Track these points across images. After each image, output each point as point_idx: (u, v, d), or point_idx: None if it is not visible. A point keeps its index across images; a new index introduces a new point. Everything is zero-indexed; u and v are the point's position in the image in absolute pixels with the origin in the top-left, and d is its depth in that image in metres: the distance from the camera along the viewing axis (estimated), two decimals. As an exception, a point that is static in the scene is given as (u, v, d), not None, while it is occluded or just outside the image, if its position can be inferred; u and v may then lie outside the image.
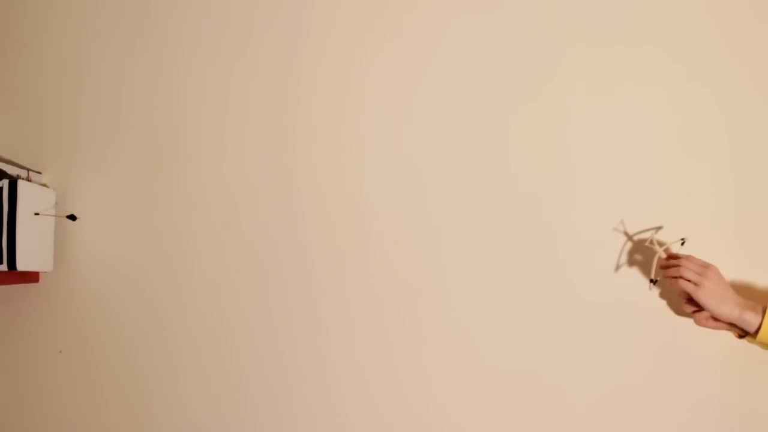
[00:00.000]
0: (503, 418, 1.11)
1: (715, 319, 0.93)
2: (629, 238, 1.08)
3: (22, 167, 1.25)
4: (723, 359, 1.03)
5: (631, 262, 1.08)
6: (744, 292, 0.99)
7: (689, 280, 0.92)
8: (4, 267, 1.12)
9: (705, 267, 0.92)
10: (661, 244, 1.01)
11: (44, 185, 1.27)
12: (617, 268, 1.08)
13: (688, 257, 0.95)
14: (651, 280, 0.99)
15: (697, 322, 0.95)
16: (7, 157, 1.29)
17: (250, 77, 1.25)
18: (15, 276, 1.22)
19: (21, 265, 1.14)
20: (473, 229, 1.14)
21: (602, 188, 1.10)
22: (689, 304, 0.96)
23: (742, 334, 0.93)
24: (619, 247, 1.08)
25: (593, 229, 1.10)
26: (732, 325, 0.92)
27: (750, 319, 0.88)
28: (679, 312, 1.05)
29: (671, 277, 0.96)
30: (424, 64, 1.19)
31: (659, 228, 1.06)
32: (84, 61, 1.32)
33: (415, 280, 1.16)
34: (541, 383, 1.10)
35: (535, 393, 1.10)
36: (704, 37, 1.08)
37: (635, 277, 1.07)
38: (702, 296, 0.90)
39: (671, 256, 0.99)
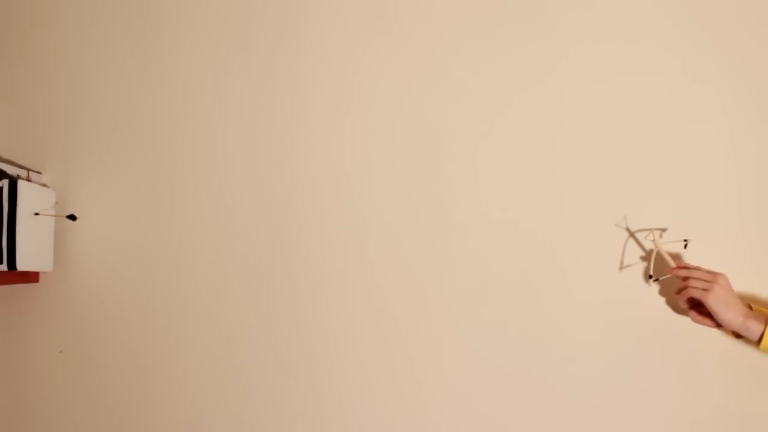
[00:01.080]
0: (503, 417, 1.11)
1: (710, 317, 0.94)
2: (631, 234, 1.07)
3: (22, 167, 1.25)
4: (722, 358, 1.03)
5: (633, 261, 1.07)
6: (748, 297, 1.00)
7: (698, 288, 0.92)
8: (4, 267, 1.12)
9: (714, 274, 0.92)
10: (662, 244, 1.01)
11: (44, 185, 1.27)
12: (621, 267, 1.07)
13: (696, 268, 0.95)
14: (649, 276, 0.99)
15: (694, 319, 0.95)
16: (7, 157, 1.29)
17: (248, 78, 1.25)
18: (15, 276, 1.22)
19: (21, 265, 1.14)
20: (473, 230, 1.14)
21: (605, 187, 1.10)
22: (685, 300, 0.96)
23: (739, 334, 0.93)
24: (621, 247, 1.08)
25: (595, 228, 1.09)
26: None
27: (753, 328, 0.88)
28: (677, 310, 1.05)
29: (682, 288, 0.96)
30: (420, 68, 1.18)
31: (664, 230, 1.05)
32: (84, 62, 1.32)
33: (412, 281, 1.16)
34: (539, 383, 1.10)
35: (534, 392, 1.10)
36: (708, 33, 1.08)
37: (636, 277, 1.07)
38: (711, 301, 0.90)
39: (679, 267, 0.98)
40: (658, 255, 0.99)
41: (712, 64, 1.07)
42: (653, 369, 1.06)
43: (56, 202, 1.27)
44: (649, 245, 1.04)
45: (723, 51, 1.07)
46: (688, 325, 0.99)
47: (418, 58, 1.19)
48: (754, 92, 1.06)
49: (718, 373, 1.03)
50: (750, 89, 1.06)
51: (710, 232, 1.05)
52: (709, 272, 0.93)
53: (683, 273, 0.95)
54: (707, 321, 0.94)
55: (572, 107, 1.12)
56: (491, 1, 1.17)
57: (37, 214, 1.19)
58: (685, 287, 0.94)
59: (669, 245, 1.02)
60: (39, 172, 1.29)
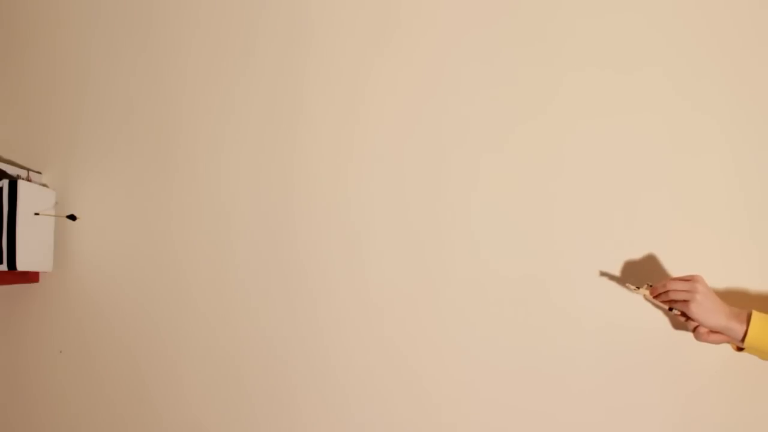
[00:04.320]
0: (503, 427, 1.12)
1: (714, 332, 0.93)
2: (619, 281, 1.07)
3: (22, 167, 1.25)
4: (719, 372, 1.02)
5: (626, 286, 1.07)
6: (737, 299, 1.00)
7: (680, 300, 0.93)
8: (4, 267, 1.12)
9: (690, 281, 0.92)
10: (639, 286, 1.00)
11: (44, 185, 1.27)
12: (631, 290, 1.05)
13: (670, 281, 0.95)
14: (669, 309, 0.97)
15: (698, 338, 0.95)
16: (7, 157, 1.29)
17: (251, 81, 1.25)
18: (15, 276, 1.22)
19: (21, 265, 1.14)
20: (468, 254, 1.13)
21: (603, 215, 1.09)
22: (690, 321, 0.95)
23: (741, 347, 0.93)
24: (617, 270, 1.08)
25: (592, 252, 1.09)
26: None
27: (735, 327, 0.89)
28: (677, 326, 1.04)
29: (666, 301, 0.96)
30: (423, 85, 1.17)
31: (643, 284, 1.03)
32: (84, 62, 1.32)
33: (409, 284, 1.16)
34: (537, 394, 1.10)
35: (531, 404, 1.10)
36: (711, 64, 1.06)
37: (632, 297, 1.07)
38: (693, 310, 0.90)
39: (655, 290, 0.97)
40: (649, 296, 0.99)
41: (716, 96, 1.06)
42: (652, 386, 1.05)
43: (56, 202, 1.27)
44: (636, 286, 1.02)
45: (728, 83, 1.05)
46: (685, 342, 0.98)
47: (422, 77, 1.18)
48: (759, 126, 1.04)
49: (715, 386, 1.03)
50: (755, 123, 1.04)
51: (714, 267, 1.03)
52: (685, 280, 0.93)
53: (661, 292, 0.95)
54: (711, 337, 0.93)
55: (571, 139, 1.10)
56: (490, 30, 1.15)
57: (37, 214, 1.19)
58: (669, 300, 0.95)
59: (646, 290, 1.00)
60: (39, 172, 1.29)
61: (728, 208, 1.05)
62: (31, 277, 1.27)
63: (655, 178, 1.07)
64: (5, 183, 1.12)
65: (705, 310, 0.90)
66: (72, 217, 1.23)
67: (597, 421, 1.07)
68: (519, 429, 1.10)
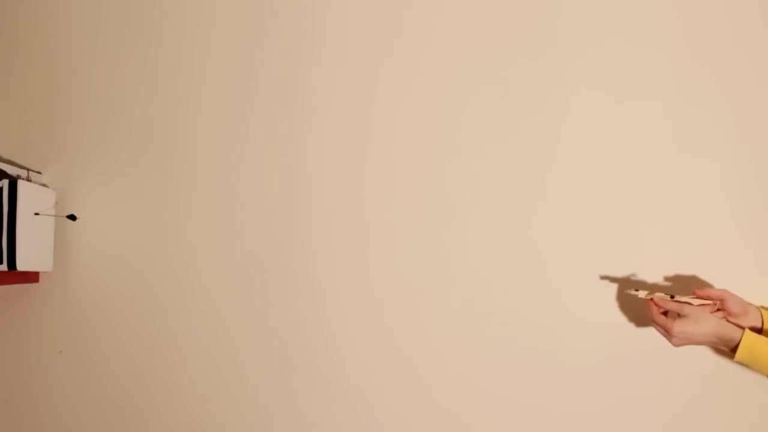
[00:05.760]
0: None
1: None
2: (621, 285, 1.07)
3: (22, 167, 1.25)
4: (719, 371, 1.02)
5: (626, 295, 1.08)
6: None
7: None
8: (4, 267, 1.12)
9: (666, 327, 0.91)
10: (638, 289, 0.99)
11: (44, 185, 1.27)
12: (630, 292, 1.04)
13: (654, 321, 0.94)
14: (671, 296, 0.97)
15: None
16: (7, 157, 1.30)
17: (253, 81, 1.25)
18: (15, 276, 1.22)
19: (21, 265, 1.14)
20: (472, 252, 1.13)
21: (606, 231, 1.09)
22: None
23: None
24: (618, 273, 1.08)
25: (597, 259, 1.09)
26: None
27: (722, 347, 0.88)
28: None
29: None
30: (431, 87, 1.17)
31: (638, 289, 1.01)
32: (86, 63, 1.32)
33: (413, 286, 1.16)
34: (542, 399, 1.10)
35: (535, 404, 1.11)
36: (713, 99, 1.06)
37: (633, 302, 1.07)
38: (675, 343, 0.90)
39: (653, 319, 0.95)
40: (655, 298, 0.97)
41: (715, 87, 1.06)
42: (653, 385, 1.05)
43: (56, 202, 1.27)
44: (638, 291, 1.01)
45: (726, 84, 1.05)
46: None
47: (428, 83, 1.18)
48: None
49: (718, 387, 1.03)
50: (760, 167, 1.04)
51: (711, 270, 1.03)
52: (664, 324, 0.91)
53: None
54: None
55: (576, 146, 1.10)
56: (498, 40, 1.15)
57: (37, 214, 1.19)
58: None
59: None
60: (39, 172, 1.29)
61: (727, 213, 1.04)
62: (31, 277, 1.27)
63: (658, 184, 1.07)
64: (5, 183, 1.13)
65: (691, 341, 0.89)
66: (72, 217, 1.23)
67: (598, 419, 1.07)
68: (521, 425, 1.10)
